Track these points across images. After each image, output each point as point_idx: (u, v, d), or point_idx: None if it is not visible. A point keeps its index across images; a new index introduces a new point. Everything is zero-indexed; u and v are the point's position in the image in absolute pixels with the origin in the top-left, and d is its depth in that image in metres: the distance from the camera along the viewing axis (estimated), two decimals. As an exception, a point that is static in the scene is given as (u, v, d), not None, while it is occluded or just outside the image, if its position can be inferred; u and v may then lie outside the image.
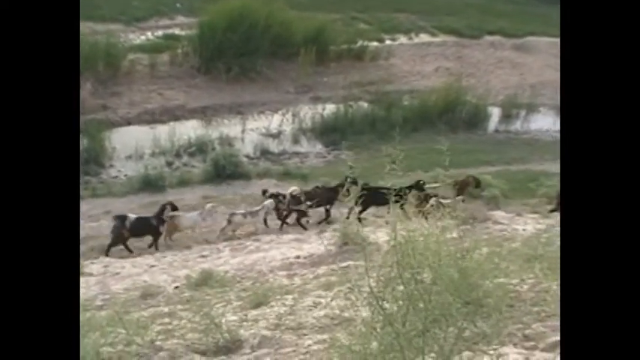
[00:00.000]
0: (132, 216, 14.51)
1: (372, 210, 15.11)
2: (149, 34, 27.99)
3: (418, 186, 14.13)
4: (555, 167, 17.80)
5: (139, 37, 27.58)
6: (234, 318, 7.09)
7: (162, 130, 22.22)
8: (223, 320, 6.59)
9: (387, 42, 30.29)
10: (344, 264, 8.42)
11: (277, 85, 25.89)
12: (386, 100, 24.85)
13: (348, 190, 13.47)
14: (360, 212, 14.56)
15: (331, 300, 7.47)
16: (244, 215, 14.87)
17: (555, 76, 25.79)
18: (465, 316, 4.16)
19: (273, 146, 22.59)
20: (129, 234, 14.28)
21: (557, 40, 24.81)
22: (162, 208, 14.60)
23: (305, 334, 6.48)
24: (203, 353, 6.35)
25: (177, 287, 10.17)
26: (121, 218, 14.39)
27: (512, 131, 25.07)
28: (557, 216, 12.67)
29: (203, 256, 12.97)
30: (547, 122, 25.30)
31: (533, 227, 11.92)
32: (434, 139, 20.62)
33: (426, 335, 4.12)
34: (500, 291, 4.30)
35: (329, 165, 20.93)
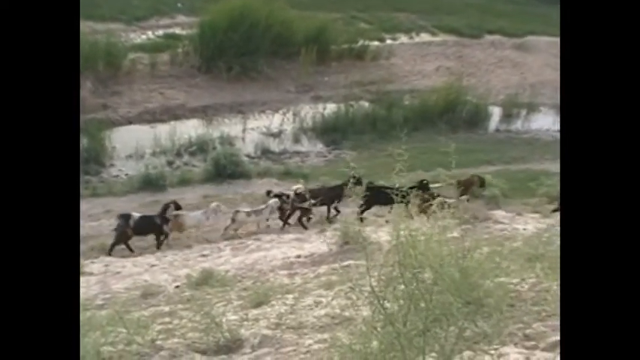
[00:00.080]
0: (136, 215, 14.52)
1: (373, 209, 15.15)
2: (150, 33, 28.01)
3: (422, 185, 14.10)
4: (555, 167, 17.81)
5: (139, 37, 27.60)
6: (234, 317, 7.09)
7: (163, 130, 22.24)
8: (224, 319, 6.58)
9: (388, 41, 30.31)
10: (345, 263, 8.42)
11: (278, 84, 25.90)
12: (387, 99, 24.88)
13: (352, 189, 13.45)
14: (363, 211, 14.61)
15: (332, 299, 7.46)
16: (248, 214, 14.88)
17: (555, 75, 25.82)
18: (466, 316, 4.15)
19: (274, 145, 22.61)
20: (132, 233, 14.29)
21: (558, 39, 24.81)
22: (166, 207, 14.60)
23: (306, 334, 6.48)
24: (204, 352, 6.35)
25: (177, 286, 10.17)
26: (125, 217, 14.40)
27: (512, 131, 25.09)
28: (557, 215, 12.66)
29: (204, 256, 12.97)
30: (547, 121, 25.31)
31: (534, 227, 11.91)
32: (434, 138, 20.69)
33: (426, 335, 4.12)
34: (501, 290, 4.30)
35: (330, 164, 20.94)
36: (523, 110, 25.78)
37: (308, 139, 23.30)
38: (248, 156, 21.44)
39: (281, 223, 15.34)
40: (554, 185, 15.92)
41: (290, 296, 8.10)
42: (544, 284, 6.37)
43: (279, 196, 15.42)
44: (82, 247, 12.88)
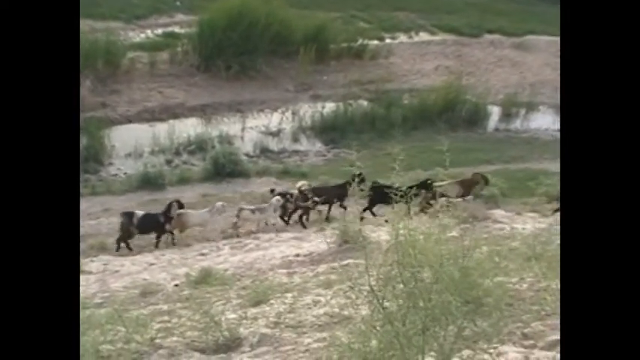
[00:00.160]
0: (139, 212, 14.53)
1: (375, 209, 15.14)
2: (149, 32, 27.97)
3: (426, 185, 14.07)
4: (555, 166, 17.80)
5: (138, 35, 27.57)
6: (233, 316, 7.09)
7: (162, 128, 22.22)
8: (223, 318, 6.59)
9: (387, 40, 30.28)
10: (344, 262, 8.43)
11: (277, 83, 25.88)
12: (386, 98, 24.85)
13: (358, 186, 13.41)
14: (365, 210, 14.61)
15: (331, 298, 7.47)
16: (253, 211, 14.88)
17: (555, 74, 25.83)
18: (465, 315, 4.16)
19: (273, 144, 22.60)
20: (136, 230, 14.30)
21: (557, 38, 24.83)
22: (170, 206, 14.60)
23: (304, 333, 6.49)
24: (202, 351, 6.35)
25: (176, 285, 10.17)
26: (128, 215, 14.41)
27: (511, 130, 25.07)
28: (557, 215, 12.67)
29: (202, 254, 12.97)
30: (547, 121, 25.30)
31: (533, 226, 11.91)
32: (434, 137, 20.64)
33: (426, 334, 4.13)
34: (500, 290, 4.31)
35: (329, 163, 20.94)
36: (522, 109, 25.75)
37: (307, 138, 23.29)
38: (247, 155, 21.43)
39: (283, 221, 15.35)
40: (553, 185, 15.91)
41: (289, 295, 8.11)
42: (543, 283, 6.38)
43: (282, 194, 15.42)
44: (81, 245, 12.86)
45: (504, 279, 4.60)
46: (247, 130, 23.29)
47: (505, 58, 30.15)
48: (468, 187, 15.20)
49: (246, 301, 8.04)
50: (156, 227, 14.47)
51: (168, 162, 20.67)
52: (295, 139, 23.12)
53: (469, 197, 14.48)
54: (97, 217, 16.04)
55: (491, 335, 4.24)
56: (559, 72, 3.96)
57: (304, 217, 15.23)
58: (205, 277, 9.52)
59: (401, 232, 4.24)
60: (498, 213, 13.78)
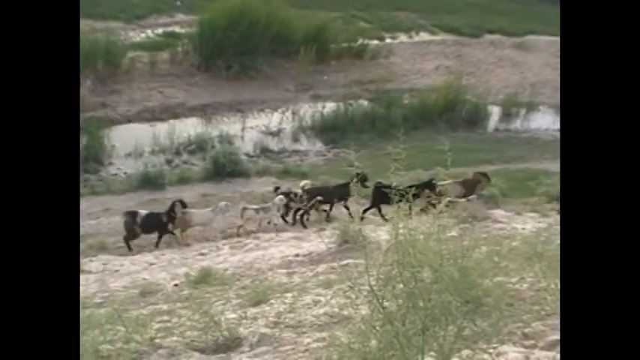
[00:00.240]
0: (142, 212, 14.54)
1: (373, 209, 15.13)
2: (149, 31, 27.99)
3: (430, 185, 14.03)
4: (555, 166, 17.80)
5: (138, 35, 27.58)
6: (233, 316, 7.09)
7: (162, 128, 22.24)
8: (222, 318, 6.59)
9: (388, 40, 30.29)
10: (343, 262, 8.42)
11: (277, 83, 25.89)
12: (386, 98, 24.86)
13: (362, 185, 13.33)
14: (367, 210, 14.60)
15: (331, 298, 7.47)
16: (257, 211, 14.88)
17: (555, 74, 25.82)
18: (465, 315, 4.16)
19: (273, 144, 22.61)
20: (140, 230, 14.31)
21: (557, 38, 24.81)
22: (173, 205, 14.60)
23: (304, 332, 6.48)
24: (202, 351, 6.35)
25: (176, 285, 10.17)
26: (132, 214, 14.41)
27: (512, 130, 25.08)
28: (556, 215, 12.66)
29: (202, 254, 12.97)
30: (547, 121, 25.30)
31: (533, 226, 11.90)
32: (434, 137, 20.63)
33: (425, 334, 4.12)
34: (500, 290, 4.30)
35: (329, 163, 20.94)
36: (522, 109, 25.76)
37: (307, 138, 23.30)
38: (247, 155, 21.44)
39: (284, 220, 15.35)
40: (553, 184, 15.91)
41: (289, 295, 8.10)
42: (543, 283, 6.37)
43: (286, 193, 15.42)
44: (81, 245, 12.87)
45: (504, 279, 4.59)
46: (247, 130, 23.30)
47: (505, 58, 30.16)
48: (470, 186, 15.12)
49: (246, 301, 8.03)
50: (159, 227, 14.47)
51: (169, 162, 20.68)
52: (295, 139, 23.12)
53: (472, 197, 14.41)
54: (97, 216, 16.04)
55: (491, 335, 4.24)
56: (559, 72, 3.95)
57: (305, 217, 15.22)
58: (205, 277, 9.51)
59: (401, 231, 4.24)
60: (498, 213, 13.77)
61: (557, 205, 14.22)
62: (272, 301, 7.85)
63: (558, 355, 4.62)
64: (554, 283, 5.74)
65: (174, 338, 6.71)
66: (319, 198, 15.03)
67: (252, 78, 25.56)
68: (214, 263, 11.49)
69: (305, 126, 23.73)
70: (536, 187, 17.17)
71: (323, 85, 26.20)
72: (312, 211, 15.28)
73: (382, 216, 14.10)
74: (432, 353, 4.21)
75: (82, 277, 10.60)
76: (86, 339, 5.63)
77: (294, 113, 24.35)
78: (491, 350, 4.24)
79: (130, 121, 22.85)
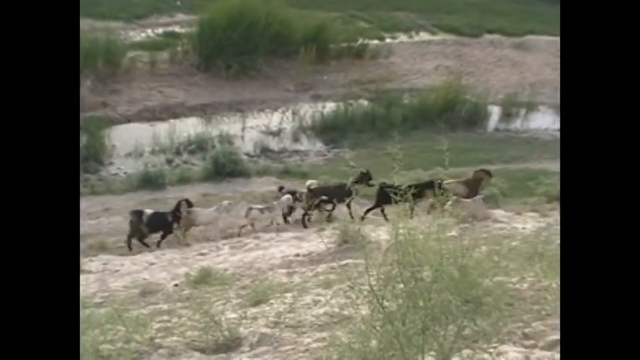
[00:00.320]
0: (148, 211, 14.57)
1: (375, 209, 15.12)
2: (149, 31, 27.98)
3: (434, 184, 13.97)
4: (554, 166, 17.80)
5: (139, 35, 27.57)
6: (233, 316, 7.09)
7: (162, 128, 22.23)
8: (223, 318, 6.59)
9: (387, 40, 30.28)
10: (343, 262, 8.41)
11: (277, 83, 25.88)
12: (386, 98, 24.85)
13: (366, 184, 13.31)
14: (371, 209, 14.59)
15: (331, 298, 7.47)
16: (262, 210, 14.88)
17: (555, 74, 25.82)
18: (465, 315, 4.16)
19: (273, 144, 22.61)
20: (146, 229, 14.32)
21: (557, 38, 24.82)
22: (179, 204, 14.61)
23: (304, 332, 6.48)
24: (202, 351, 6.35)
25: (176, 285, 10.17)
26: (137, 213, 14.43)
27: (511, 130, 25.07)
28: (556, 214, 12.66)
29: (202, 254, 12.97)
30: (546, 121, 25.29)
31: (533, 225, 11.91)
32: (434, 137, 20.64)
33: (425, 333, 4.12)
34: (500, 289, 4.30)
35: (329, 163, 20.93)
36: (522, 109, 25.75)
37: (307, 138, 23.30)
38: (247, 154, 21.43)
39: (284, 220, 15.35)
40: (553, 184, 15.91)
41: (289, 295, 8.10)
42: (543, 283, 6.37)
43: (291, 193, 15.42)
44: (81, 245, 12.87)
45: (504, 278, 4.59)
46: (247, 130, 23.30)
47: (505, 58, 30.14)
48: (472, 185, 14.97)
49: (246, 301, 8.03)
50: (164, 226, 14.49)
51: (169, 161, 20.68)
52: (296, 139, 23.12)
53: (478, 197, 14.29)
54: (97, 216, 16.04)
55: (491, 335, 4.24)
56: (559, 72, 3.96)
57: (307, 217, 15.22)
58: (205, 277, 9.51)
59: (401, 231, 4.24)
60: (498, 213, 13.77)
61: (557, 205, 14.19)
62: (272, 301, 7.85)
63: (558, 355, 4.62)
64: (555, 283, 5.74)
65: (175, 338, 6.71)
66: (324, 197, 15.04)
67: (252, 78, 25.56)
68: (214, 263, 11.49)
69: (305, 126, 23.73)
70: (536, 187, 17.17)
71: (323, 85, 26.20)
72: (316, 211, 15.28)
73: (385, 216, 14.10)
74: (432, 353, 4.21)
75: (82, 276, 10.60)
76: (86, 339, 5.64)
77: (294, 113, 24.35)
78: (491, 350, 4.24)
79: (130, 121, 22.85)
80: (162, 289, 9.95)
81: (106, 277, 11.46)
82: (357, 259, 4.58)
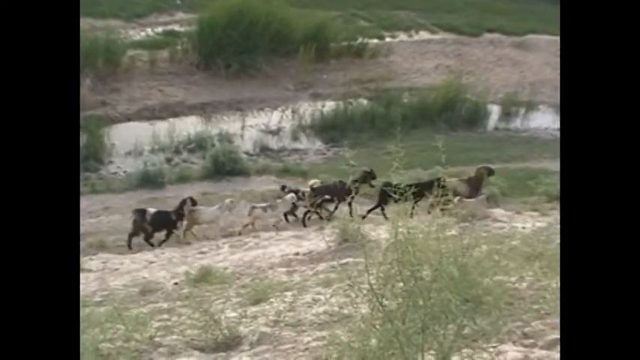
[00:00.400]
0: (151, 210, 14.59)
1: (365, 208, 15.11)
2: (149, 30, 27.97)
3: (439, 183, 13.92)
4: (554, 165, 17.81)
5: (138, 34, 27.56)
6: (233, 314, 7.09)
7: (162, 127, 22.23)
8: (222, 317, 6.59)
9: (387, 39, 30.27)
10: (343, 261, 8.41)
11: (277, 81, 25.87)
12: (386, 97, 24.85)
13: (369, 184, 13.35)
14: (373, 208, 14.58)
15: (330, 297, 7.47)
16: (265, 209, 14.90)
17: (555, 74, 25.82)
18: (465, 314, 4.16)
19: (273, 143, 22.60)
20: (150, 227, 14.33)
21: (557, 38, 24.82)
22: (183, 203, 14.62)
23: (304, 331, 6.48)
24: (202, 350, 6.35)
25: (176, 283, 10.17)
26: (141, 212, 14.44)
27: (511, 129, 25.06)
28: (556, 214, 12.66)
29: (202, 253, 12.97)
30: (546, 120, 25.29)
31: (533, 225, 11.91)
32: (433, 136, 20.54)
33: (425, 332, 4.12)
34: (500, 289, 4.30)
35: (328, 162, 20.93)
36: (522, 109, 25.75)
37: (307, 137, 23.29)
38: (247, 153, 21.42)
39: (285, 219, 15.36)
40: (553, 184, 15.92)
41: (289, 294, 8.10)
42: (543, 282, 6.37)
43: (294, 191, 15.43)
44: (81, 243, 12.88)
45: (504, 278, 4.59)
46: (247, 129, 23.29)
47: (505, 57, 30.14)
48: (475, 184, 14.89)
49: (246, 300, 8.04)
50: (168, 224, 14.50)
51: (168, 160, 20.68)
52: (295, 138, 23.11)
53: (482, 196, 14.22)
54: (97, 215, 16.05)
55: (491, 334, 4.24)
56: (559, 71, 3.95)
57: (307, 216, 15.23)
58: (205, 276, 9.52)
59: (400, 230, 4.24)
60: (498, 212, 13.77)
61: (556, 204, 14.18)
62: (272, 299, 7.85)
63: (558, 355, 4.62)
64: (554, 282, 5.74)
65: (174, 337, 6.72)
66: (327, 197, 15.05)
67: (252, 77, 25.55)
68: (214, 262, 11.49)
69: (305, 125, 23.72)
70: (536, 186, 17.18)
71: (323, 84, 26.19)
72: (317, 210, 15.30)
73: (384, 215, 14.10)
74: (432, 352, 4.21)
75: (82, 275, 10.61)
76: (86, 337, 5.64)
77: (293, 112, 24.35)
78: (490, 349, 4.24)
79: (129, 120, 22.84)
80: (162, 287, 9.95)
81: (105, 275, 11.46)
82: (357, 257, 4.57)
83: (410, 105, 24.55)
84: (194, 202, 14.81)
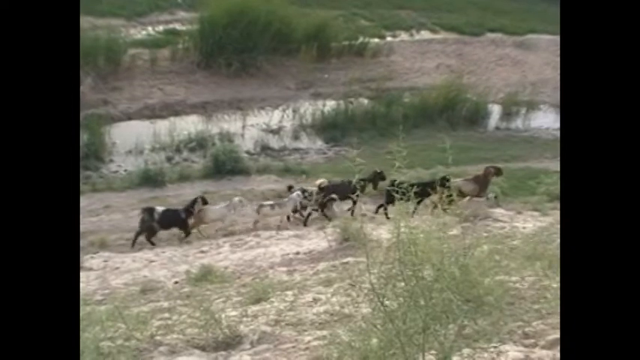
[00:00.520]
0: (159, 208, 14.60)
1: (371, 207, 15.14)
2: (150, 29, 27.96)
3: (443, 182, 13.96)
4: (555, 165, 17.82)
5: (139, 32, 27.54)
6: (234, 313, 7.09)
7: (163, 125, 22.23)
8: (223, 316, 6.58)
9: (388, 39, 30.26)
10: (344, 260, 8.41)
11: (278, 81, 25.87)
12: (386, 96, 24.85)
13: (374, 184, 13.44)
14: (380, 207, 14.58)
15: (331, 296, 7.47)
16: (272, 207, 14.93)
17: (556, 73, 25.82)
18: (466, 314, 4.15)
19: (274, 142, 22.60)
20: (158, 226, 14.34)
21: (558, 37, 24.80)
22: (194, 202, 14.65)
23: (305, 330, 6.48)
24: (203, 348, 6.35)
25: (176, 282, 10.18)
26: (149, 210, 14.46)
27: (512, 129, 25.07)
28: (557, 214, 12.66)
29: (203, 252, 12.98)
30: (547, 120, 25.29)
31: (534, 225, 11.91)
32: (434, 136, 20.66)
33: (426, 332, 4.12)
34: (501, 288, 4.30)
35: (329, 161, 20.94)
36: (523, 108, 25.76)
37: (307, 136, 23.29)
38: (247, 152, 21.43)
39: (287, 218, 15.38)
40: (553, 184, 15.91)
41: (289, 293, 8.10)
42: (543, 282, 6.37)
43: (302, 190, 15.45)
44: (82, 242, 12.89)
45: (505, 278, 4.60)
46: (248, 128, 23.28)
47: (506, 56, 30.13)
48: (483, 183, 14.86)
49: (247, 299, 8.04)
50: (177, 223, 14.53)
51: (169, 159, 20.68)
52: (296, 137, 23.11)
53: (491, 195, 14.13)
54: (98, 214, 16.05)
55: (492, 334, 4.23)
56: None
57: (310, 215, 15.24)
58: (206, 275, 9.53)
59: (402, 230, 4.24)
60: (499, 212, 13.78)
61: (557, 204, 14.17)
62: (272, 298, 7.85)
63: (559, 354, 4.62)
64: (555, 282, 5.74)
65: (175, 336, 6.71)
66: (334, 196, 15.06)
67: (253, 76, 25.54)
68: (215, 261, 11.51)
69: (305, 124, 23.72)
70: (537, 186, 17.17)
71: (323, 83, 26.18)
72: (322, 209, 15.32)
73: (386, 214, 14.11)
74: (433, 352, 4.20)
75: (83, 274, 10.62)
76: (87, 336, 5.63)
77: (294, 111, 24.34)
78: (491, 349, 4.24)
79: (130, 119, 22.84)
80: (162, 286, 9.96)
81: (106, 274, 11.47)
82: (358, 257, 4.57)
83: (411, 104, 24.55)
84: (205, 201, 14.85)
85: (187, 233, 14.59)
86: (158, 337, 6.59)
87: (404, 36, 30.96)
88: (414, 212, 4.65)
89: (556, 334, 5.16)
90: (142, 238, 14.45)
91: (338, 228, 10.93)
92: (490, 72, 28.60)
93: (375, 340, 4.18)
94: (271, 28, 25.92)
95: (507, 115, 25.58)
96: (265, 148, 22.08)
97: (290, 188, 15.99)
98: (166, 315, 7.76)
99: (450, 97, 24.53)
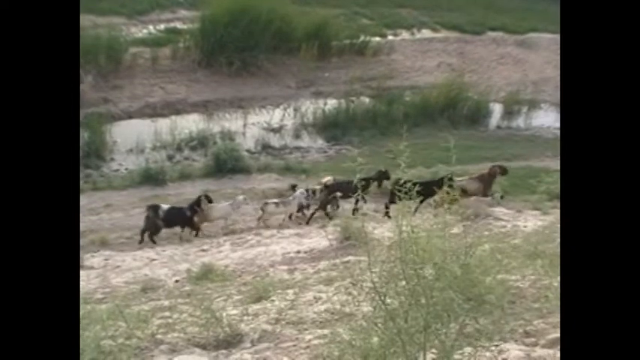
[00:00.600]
0: (164, 206, 14.64)
1: (372, 206, 15.14)
2: (151, 27, 27.99)
3: (448, 181, 13.92)
4: (556, 164, 17.81)
5: (140, 31, 27.58)
6: (234, 312, 7.09)
7: (164, 124, 22.25)
8: (224, 314, 6.58)
9: (389, 37, 30.28)
10: (345, 259, 8.41)
11: (279, 79, 25.87)
12: (387, 95, 24.87)
13: (379, 183, 13.54)
14: (388, 206, 14.58)
15: (332, 295, 7.46)
16: (277, 205, 14.96)
17: (557, 72, 25.76)
18: (467, 312, 4.15)
19: (275, 141, 22.61)
20: (163, 224, 14.37)
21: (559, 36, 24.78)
22: (199, 199, 14.69)
23: (305, 329, 6.48)
24: (203, 347, 6.35)
25: (177, 281, 10.18)
26: (154, 208, 14.49)
27: (513, 127, 25.08)
28: (557, 213, 12.66)
29: (204, 250, 12.98)
30: (548, 119, 25.30)
31: (534, 224, 11.91)
32: (435, 134, 20.67)
33: (427, 331, 4.12)
34: (502, 287, 4.29)
35: (330, 160, 20.94)
36: (524, 107, 25.77)
37: (308, 135, 23.30)
38: (248, 151, 21.44)
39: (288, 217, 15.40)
40: (554, 182, 15.91)
41: (290, 291, 8.10)
42: (544, 281, 6.37)
43: (306, 190, 15.49)
44: (82, 241, 12.90)
45: (506, 276, 4.59)
46: (249, 127, 23.30)
47: (507, 55, 30.14)
48: (488, 182, 14.83)
49: (247, 298, 8.03)
50: (182, 220, 14.57)
51: (170, 158, 20.71)
52: (297, 136, 23.13)
53: (497, 194, 14.09)
54: (99, 212, 16.06)
55: (493, 333, 4.23)
56: (561, 70, 3.95)
57: (313, 214, 15.26)
58: (206, 273, 9.53)
59: (404, 228, 4.23)
60: (500, 210, 13.77)
61: (558, 203, 14.16)
62: (273, 297, 7.85)
63: (559, 353, 4.61)
64: (556, 281, 5.74)
65: (176, 334, 6.71)
66: (338, 194, 15.08)
67: (254, 74, 25.56)
68: (216, 259, 11.50)
69: (306, 123, 23.74)
70: (538, 185, 17.17)
71: (324, 82, 26.19)
72: (325, 208, 15.34)
73: (387, 213, 14.11)
74: (434, 350, 4.20)
75: (83, 272, 10.62)
76: (88, 334, 5.63)
77: (295, 110, 24.36)
78: (492, 348, 4.24)
79: (131, 117, 22.86)
80: (163, 285, 9.96)
81: (107, 272, 11.47)
82: (359, 256, 4.57)
83: (412, 103, 24.56)
84: (209, 199, 14.87)
85: (196, 230, 14.63)
86: (159, 336, 6.58)
87: (405, 35, 30.98)
88: (415, 211, 4.64)
89: (557, 333, 5.16)
90: (138, 237, 14.46)
91: (339, 227, 10.92)
92: (491, 71, 28.61)
93: (375, 339, 4.18)
94: (272, 26, 25.94)
95: (508, 113, 25.60)
96: (266, 147, 22.09)
97: (294, 187, 16.00)
98: (167, 313, 7.76)
99: (451, 96, 24.54)
